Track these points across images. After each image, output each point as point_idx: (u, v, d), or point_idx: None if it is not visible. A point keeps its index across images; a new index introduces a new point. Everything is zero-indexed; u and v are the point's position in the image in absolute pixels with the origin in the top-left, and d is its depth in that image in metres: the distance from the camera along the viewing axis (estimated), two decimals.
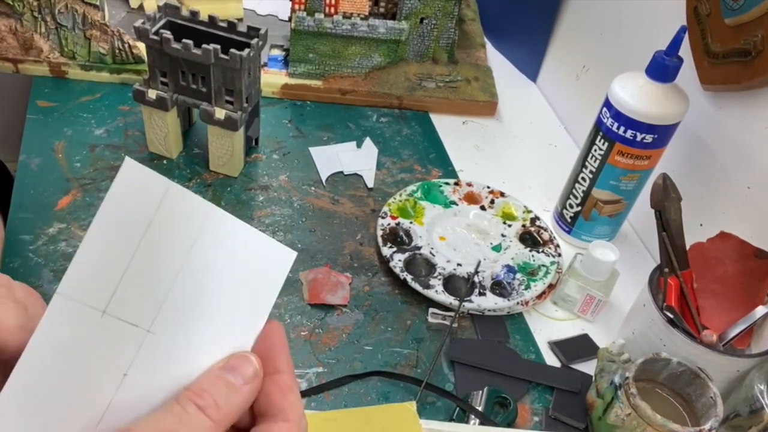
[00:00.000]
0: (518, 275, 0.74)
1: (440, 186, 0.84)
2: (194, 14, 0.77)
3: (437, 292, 0.70)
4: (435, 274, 0.73)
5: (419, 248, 0.76)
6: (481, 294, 0.71)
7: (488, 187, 0.84)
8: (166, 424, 0.28)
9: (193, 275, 0.31)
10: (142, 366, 0.30)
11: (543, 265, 0.76)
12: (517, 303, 0.71)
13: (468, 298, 0.70)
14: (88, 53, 0.90)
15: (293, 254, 0.34)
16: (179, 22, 0.77)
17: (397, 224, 0.78)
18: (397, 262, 0.73)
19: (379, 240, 0.75)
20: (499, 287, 0.73)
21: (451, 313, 0.69)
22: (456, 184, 0.84)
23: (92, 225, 0.29)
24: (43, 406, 0.29)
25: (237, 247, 0.32)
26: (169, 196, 0.30)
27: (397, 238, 0.77)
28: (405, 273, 0.72)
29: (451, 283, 0.73)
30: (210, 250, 0.31)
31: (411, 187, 0.83)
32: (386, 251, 0.74)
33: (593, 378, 0.62)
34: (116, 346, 0.30)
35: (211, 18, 0.76)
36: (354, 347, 0.66)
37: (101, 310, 0.29)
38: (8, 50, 0.88)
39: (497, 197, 0.84)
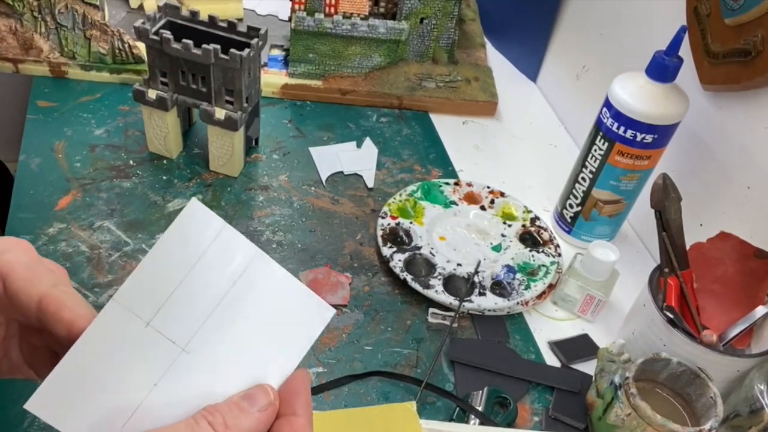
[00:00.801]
0: (518, 275, 0.74)
1: (440, 186, 0.84)
2: (194, 14, 0.77)
3: (437, 292, 0.70)
4: (435, 274, 0.73)
5: (419, 248, 0.76)
6: (481, 294, 0.71)
7: (488, 187, 0.84)
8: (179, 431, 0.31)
9: (231, 309, 0.35)
10: (172, 380, 0.33)
11: (543, 265, 0.76)
12: (517, 303, 0.71)
13: (468, 298, 0.70)
14: (88, 53, 0.90)
15: (332, 311, 0.37)
16: (179, 22, 0.77)
17: (397, 224, 0.78)
18: (397, 262, 0.73)
19: (379, 240, 0.75)
20: (499, 287, 0.73)
21: (451, 313, 0.69)
22: (456, 184, 0.85)
23: (153, 248, 0.34)
24: (82, 392, 0.32)
25: (278, 293, 0.36)
26: (221, 237, 0.35)
27: (397, 238, 0.77)
28: (405, 273, 0.72)
29: (451, 283, 0.73)
30: (250, 290, 0.35)
31: (411, 187, 0.83)
32: (386, 251, 0.74)
33: (593, 378, 0.62)
34: (153, 357, 0.33)
35: (211, 18, 0.76)
36: (354, 347, 0.66)
37: (146, 321, 0.33)
38: (8, 50, 0.88)
39: (497, 197, 0.84)
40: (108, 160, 0.81)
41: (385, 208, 0.79)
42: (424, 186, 0.83)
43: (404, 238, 0.77)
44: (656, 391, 0.61)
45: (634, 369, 0.57)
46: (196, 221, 0.35)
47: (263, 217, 0.78)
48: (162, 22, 0.76)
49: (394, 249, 0.75)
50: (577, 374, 0.67)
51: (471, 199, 0.84)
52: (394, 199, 0.81)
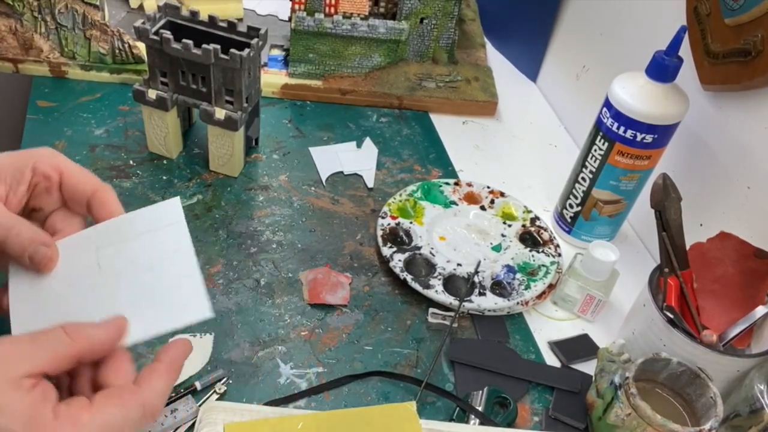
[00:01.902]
0: (518, 275, 0.74)
1: (440, 186, 0.84)
2: (194, 14, 0.77)
3: (437, 292, 0.70)
4: (435, 274, 0.73)
5: (419, 248, 0.76)
6: (481, 294, 0.71)
7: (488, 187, 0.84)
8: (40, 333, 0.40)
9: (143, 268, 0.46)
10: (79, 285, 0.45)
11: (543, 265, 0.76)
12: (517, 303, 0.71)
13: (468, 298, 0.70)
14: (88, 53, 0.90)
15: (208, 315, 0.44)
16: (179, 22, 0.77)
17: (397, 224, 0.78)
18: (397, 262, 0.73)
19: (379, 240, 0.75)
20: (499, 287, 0.73)
21: (451, 313, 0.69)
22: (456, 184, 0.84)
23: (132, 212, 0.48)
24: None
25: (178, 283, 0.45)
26: (175, 227, 0.47)
27: (398, 238, 0.77)
28: (405, 273, 0.72)
29: (451, 283, 0.73)
30: (162, 267, 0.46)
31: (411, 187, 0.83)
32: (386, 251, 0.74)
33: (593, 378, 0.62)
34: (80, 265, 0.46)
35: (211, 18, 0.76)
36: (354, 347, 0.66)
37: (97, 246, 0.47)
38: (8, 50, 0.88)
39: (497, 197, 0.84)
40: (108, 160, 0.81)
41: (385, 208, 0.79)
42: (424, 186, 0.83)
43: (404, 238, 0.77)
44: (656, 391, 0.61)
45: (634, 369, 0.57)
46: (167, 210, 0.48)
47: (263, 217, 0.78)
48: (162, 22, 0.76)
49: (394, 249, 0.75)
50: (577, 374, 0.67)
51: (471, 199, 0.84)
52: (394, 199, 0.81)
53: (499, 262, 0.76)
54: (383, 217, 0.78)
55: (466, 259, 0.76)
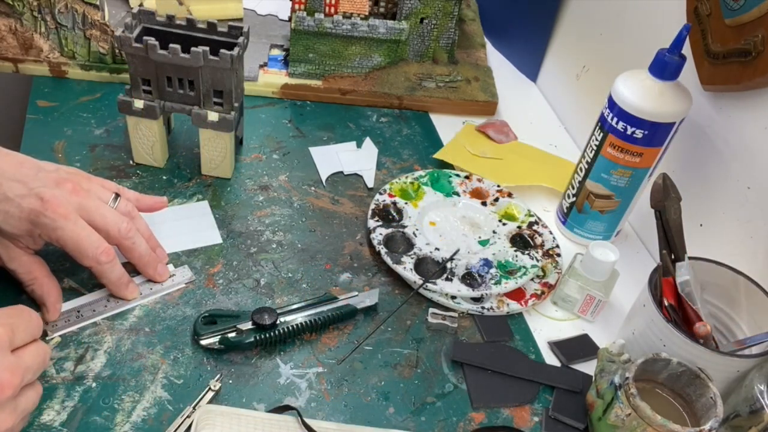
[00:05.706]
0: (493, 270, 0.74)
1: (450, 176, 0.85)
2: (171, 18, 0.75)
3: (405, 269, 0.71)
4: (410, 253, 0.74)
5: (404, 227, 0.77)
6: (448, 279, 0.72)
7: (498, 186, 0.84)
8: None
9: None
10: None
11: (523, 266, 0.75)
12: (482, 295, 0.71)
13: (433, 281, 0.71)
14: (88, 53, 0.90)
15: (219, 241, 0.74)
16: (156, 27, 0.75)
17: (394, 203, 0.80)
18: (378, 235, 0.74)
19: (369, 212, 0.77)
20: (469, 277, 0.73)
21: (453, 313, 0.69)
22: (467, 177, 0.85)
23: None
24: None
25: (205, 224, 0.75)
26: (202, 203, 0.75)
27: (389, 215, 0.79)
28: (381, 246, 0.73)
29: (423, 264, 0.73)
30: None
31: (420, 173, 0.84)
32: (371, 223, 0.76)
33: (593, 378, 0.62)
34: (159, 216, 0.74)
35: (189, 21, 0.75)
36: (354, 347, 0.66)
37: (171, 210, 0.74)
38: (8, 50, 0.88)
39: (504, 197, 0.84)
40: (108, 160, 0.81)
41: (386, 186, 0.81)
42: (433, 174, 0.85)
43: (394, 215, 0.79)
44: (656, 391, 0.61)
45: (634, 369, 0.57)
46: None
47: (263, 217, 0.78)
48: (138, 29, 0.74)
49: (380, 223, 0.76)
50: (577, 374, 0.67)
51: (477, 194, 0.84)
52: (398, 180, 0.82)
53: (479, 255, 0.76)
54: (381, 194, 0.80)
55: (447, 246, 0.76)
